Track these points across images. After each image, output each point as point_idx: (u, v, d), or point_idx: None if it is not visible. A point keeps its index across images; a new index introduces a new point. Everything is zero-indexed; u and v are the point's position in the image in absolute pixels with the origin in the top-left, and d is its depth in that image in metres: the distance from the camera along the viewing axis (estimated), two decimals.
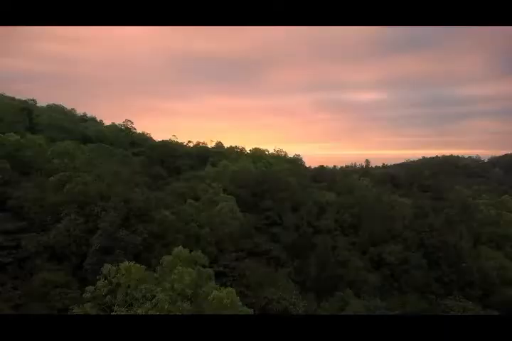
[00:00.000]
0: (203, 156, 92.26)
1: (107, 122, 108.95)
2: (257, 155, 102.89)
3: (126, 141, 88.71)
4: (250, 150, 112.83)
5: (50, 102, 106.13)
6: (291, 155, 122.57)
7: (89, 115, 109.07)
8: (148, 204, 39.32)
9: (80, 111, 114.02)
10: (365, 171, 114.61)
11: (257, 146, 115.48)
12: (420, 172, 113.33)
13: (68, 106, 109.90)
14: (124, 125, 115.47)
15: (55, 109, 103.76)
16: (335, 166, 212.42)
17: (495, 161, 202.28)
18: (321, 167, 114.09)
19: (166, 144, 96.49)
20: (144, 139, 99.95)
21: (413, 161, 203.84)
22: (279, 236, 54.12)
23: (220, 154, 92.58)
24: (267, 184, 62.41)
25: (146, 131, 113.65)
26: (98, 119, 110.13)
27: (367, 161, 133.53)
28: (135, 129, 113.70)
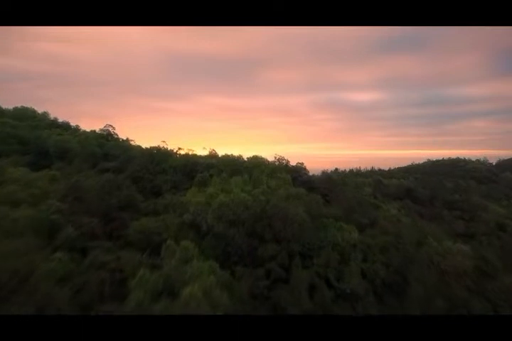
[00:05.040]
0: (190, 170, 72.74)
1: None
2: (256, 165, 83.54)
3: (99, 153, 69.15)
4: (248, 158, 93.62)
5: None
6: (291, 156, 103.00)
7: (61, 120, 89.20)
8: None
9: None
10: (377, 183, 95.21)
11: (256, 153, 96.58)
12: (441, 185, 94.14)
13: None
14: (106, 130, 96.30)
15: (22, 113, 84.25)
16: (337, 169, 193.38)
17: (503, 164, 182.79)
18: (329, 178, 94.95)
19: (148, 155, 76.93)
20: (124, 148, 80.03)
21: (418, 164, 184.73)
22: (284, 304, 35.00)
23: (211, 167, 73.05)
24: (266, 219, 43.18)
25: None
26: (73, 124, 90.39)
27: (375, 173, 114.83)
28: (116, 135, 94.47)
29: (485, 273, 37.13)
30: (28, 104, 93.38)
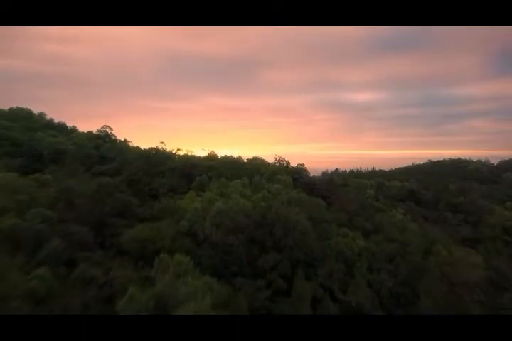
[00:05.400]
0: (189, 172, 70.30)
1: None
2: (256, 167, 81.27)
3: (95, 155, 66.75)
4: (248, 159, 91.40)
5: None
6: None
7: (57, 121, 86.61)
8: None
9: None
10: (379, 185, 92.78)
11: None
12: (444, 186, 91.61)
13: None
14: (103, 131, 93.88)
15: (17, 114, 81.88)
16: (337, 169, 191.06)
17: (505, 165, 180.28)
18: (330, 179, 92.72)
19: (145, 157, 74.57)
20: (122, 150, 77.52)
21: (419, 164, 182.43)
22: None
23: (210, 169, 70.64)
24: (267, 227, 40.85)
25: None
26: (70, 125, 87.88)
27: (376, 174, 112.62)
28: (114, 136, 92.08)
29: (497, 285, 34.74)
30: (28, 105, 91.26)
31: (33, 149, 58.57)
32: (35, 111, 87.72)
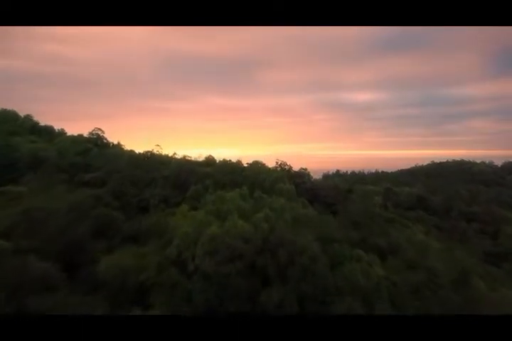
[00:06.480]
0: (184, 180, 63.45)
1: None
2: (256, 172, 74.43)
3: (80, 162, 59.69)
4: (248, 164, 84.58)
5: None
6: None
7: (43, 123, 79.38)
8: None
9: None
10: (387, 191, 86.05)
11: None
12: (455, 193, 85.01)
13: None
14: (95, 134, 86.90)
15: (1, 116, 74.86)
16: (338, 171, 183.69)
17: (509, 166, 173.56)
18: (335, 186, 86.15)
19: (137, 163, 67.70)
20: (113, 155, 70.42)
21: (422, 166, 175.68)
22: None
23: (206, 177, 63.80)
24: (269, 252, 34.11)
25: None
26: (57, 128, 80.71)
27: (380, 176, 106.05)
28: (106, 139, 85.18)
29: None
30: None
31: (9, 157, 51.63)
32: (34, 111, 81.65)
